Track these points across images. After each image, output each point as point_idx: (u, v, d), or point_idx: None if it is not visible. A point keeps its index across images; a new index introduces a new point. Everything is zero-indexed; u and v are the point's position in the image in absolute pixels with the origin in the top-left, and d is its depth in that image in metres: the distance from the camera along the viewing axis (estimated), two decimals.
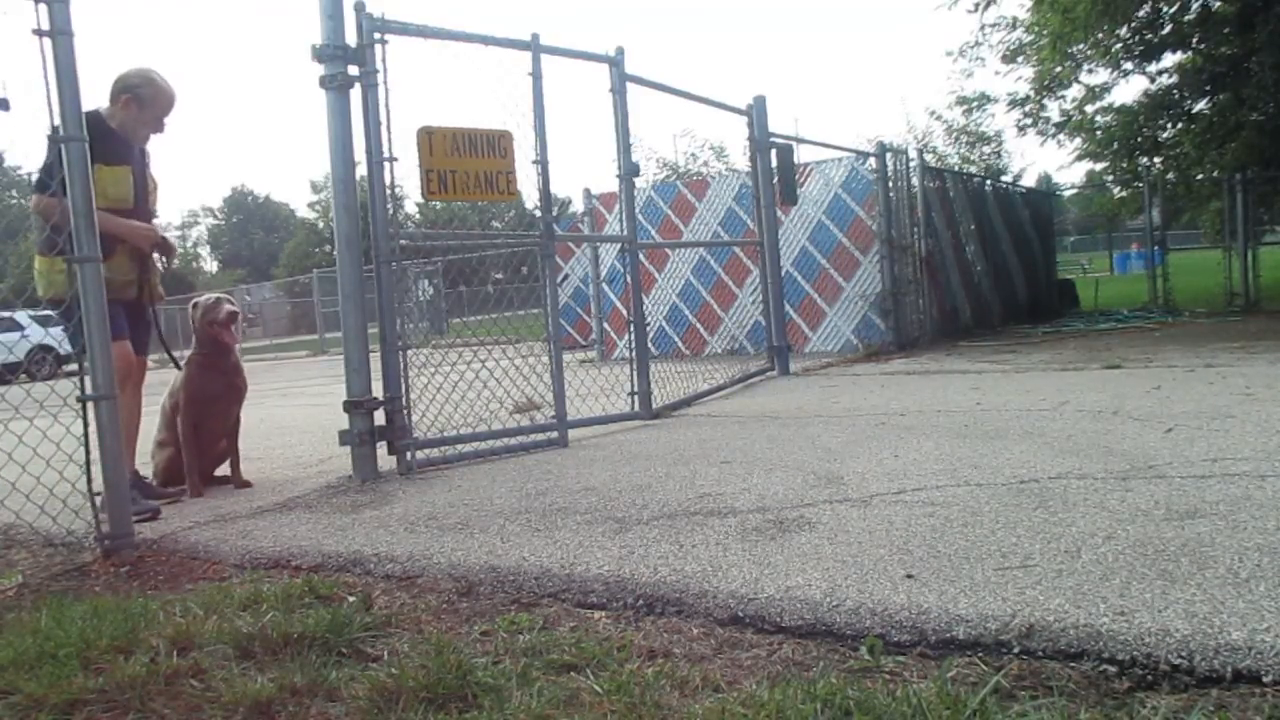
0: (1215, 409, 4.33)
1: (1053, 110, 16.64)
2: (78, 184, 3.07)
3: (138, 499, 3.65)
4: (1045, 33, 13.81)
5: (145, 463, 4.33)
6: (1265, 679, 1.66)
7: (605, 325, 11.06)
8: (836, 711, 1.63)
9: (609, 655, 1.98)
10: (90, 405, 3.09)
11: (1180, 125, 15.44)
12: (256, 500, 3.89)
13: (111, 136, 3.85)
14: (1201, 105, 14.97)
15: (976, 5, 13.94)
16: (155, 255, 4.16)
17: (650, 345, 6.01)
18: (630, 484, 3.63)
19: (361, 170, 4.24)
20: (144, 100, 3.90)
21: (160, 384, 4.63)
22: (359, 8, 4.14)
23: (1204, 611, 1.90)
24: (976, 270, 11.29)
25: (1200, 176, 15.19)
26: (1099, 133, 15.91)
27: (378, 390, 4.23)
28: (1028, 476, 3.22)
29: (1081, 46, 14.18)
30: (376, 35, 4.16)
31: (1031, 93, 16.43)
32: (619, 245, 7.66)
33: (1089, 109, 16.16)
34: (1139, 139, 15.59)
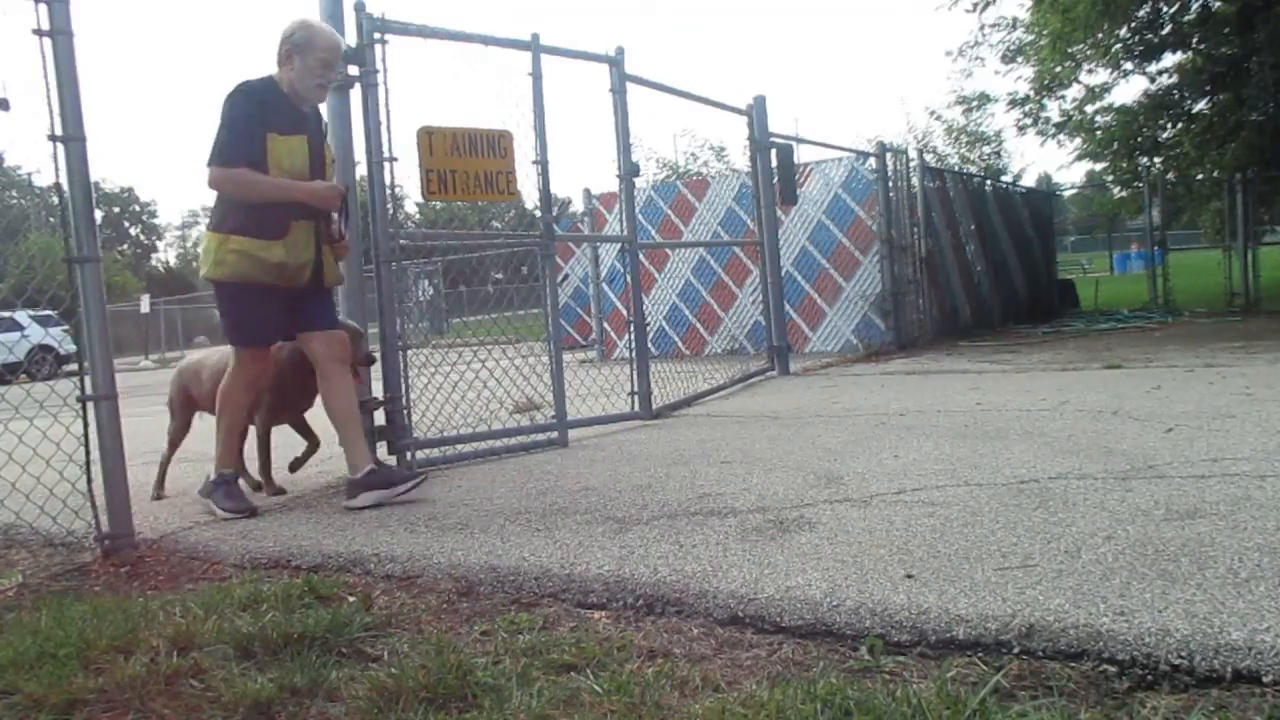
0: (1215, 409, 4.33)
1: (1053, 110, 16.66)
2: (78, 184, 3.06)
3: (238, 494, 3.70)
4: (1045, 33, 13.82)
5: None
6: (1265, 679, 1.66)
7: (605, 325, 11.06)
8: (836, 711, 1.63)
9: (609, 655, 1.98)
10: (90, 405, 3.09)
11: (1180, 125, 15.44)
12: (256, 500, 3.88)
13: (284, 103, 3.54)
14: (1201, 105, 14.98)
15: (976, 5, 13.98)
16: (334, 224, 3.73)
17: (650, 345, 6.01)
18: (630, 484, 3.63)
19: (361, 170, 4.24)
20: (301, 46, 3.53)
21: (162, 384, 4.62)
22: (359, 8, 4.14)
23: (1204, 611, 1.90)
24: (976, 270, 11.29)
25: (1200, 176, 15.19)
26: (1099, 133, 15.90)
27: (378, 390, 4.23)
28: (1028, 476, 3.22)
29: (1081, 46, 14.18)
30: (376, 35, 4.16)
31: (1031, 93, 16.44)
32: (619, 245, 7.66)
33: (1089, 109, 16.18)
34: (1139, 139, 15.59)
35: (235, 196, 3.44)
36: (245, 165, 3.39)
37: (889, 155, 9.22)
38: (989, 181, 13.60)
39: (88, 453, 3.08)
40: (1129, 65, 15.00)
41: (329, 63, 3.60)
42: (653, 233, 10.62)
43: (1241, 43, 13.23)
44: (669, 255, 10.78)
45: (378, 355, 4.08)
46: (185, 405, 4.18)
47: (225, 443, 3.69)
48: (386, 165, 4.22)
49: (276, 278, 3.51)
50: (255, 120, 3.42)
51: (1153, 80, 15.45)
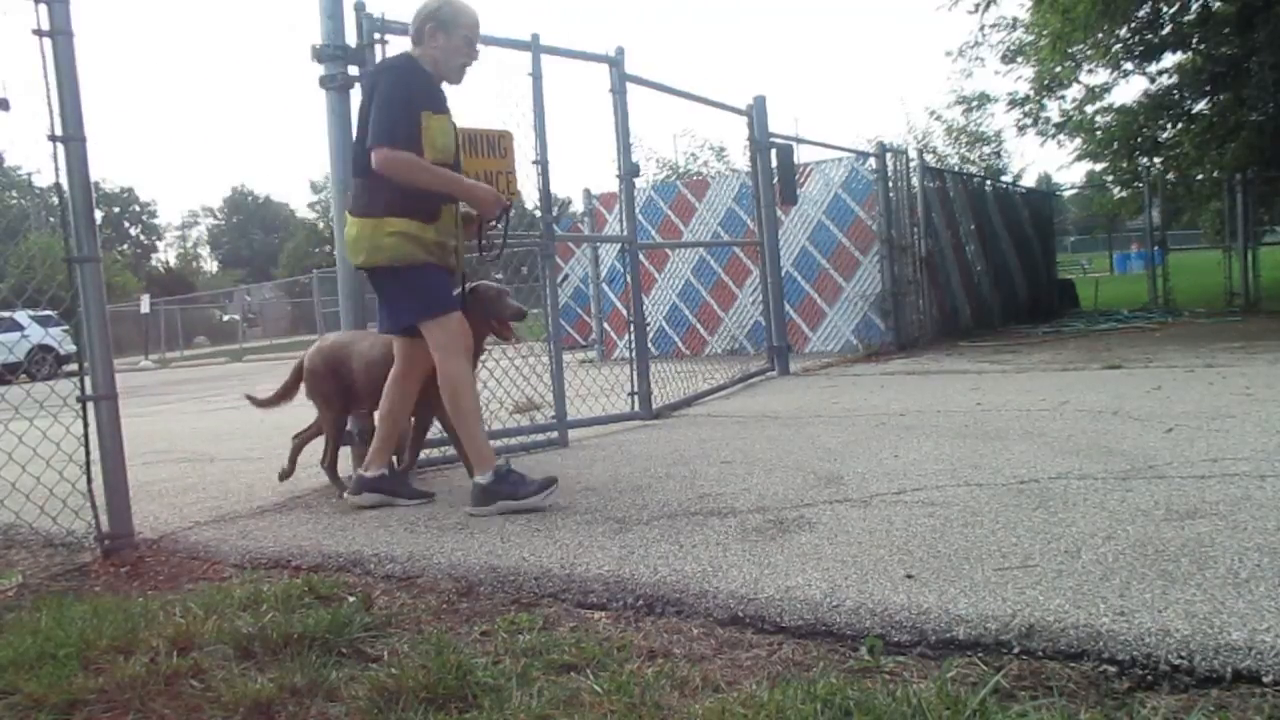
0: (1215, 409, 4.33)
1: (1053, 110, 16.67)
2: (78, 184, 3.06)
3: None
4: (1045, 33, 13.82)
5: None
6: (1265, 679, 1.66)
7: (605, 325, 11.06)
8: (836, 711, 1.63)
9: (609, 655, 1.98)
10: (90, 405, 3.09)
11: (1180, 125, 15.44)
12: (256, 500, 3.89)
13: (431, 80, 3.38)
14: (1201, 105, 14.99)
15: (977, 6, 13.95)
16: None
17: (650, 345, 6.01)
18: (630, 484, 3.63)
19: None
20: (446, 22, 3.38)
21: (162, 384, 4.62)
22: (359, 8, 4.14)
23: (1204, 611, 1.90)
24: (976, 270, 11.29)
25: (1200, 176, 15.19)
26: (1099, 133, 15.91)
27: None
28: (1028, 476, 3.22)
29: (1081, 46, 14.18)
30: (376, 35, 4.15)
31: (1031, 93, 16.44)
32: (619, 245, 7.66)
33: (1089, 109, 16.19)
34: (1139, 139, 15.59)
35: (399, 180, 3.23)
36: (405, 146, 3.21)
37: (889, 155, 9.22)
38: (989, 181, 13.60)
39: (88, 453, 3.08)
40: (1129, 65, 15.01)
41: (472, 40, 3.47)
42: (653, 233, 10.62)
43: (1241, 43, 13.23)
44: (669, 255, 10.78)
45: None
46: (340, 393, 3.79)
47: (473, 438, 3.35)
48: None
49: (437, 257, 3.35)
50: (410, 100, 3.27)
51: (1153, 80, 15.48)
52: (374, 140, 3.22)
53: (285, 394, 4.03)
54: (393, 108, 3.24)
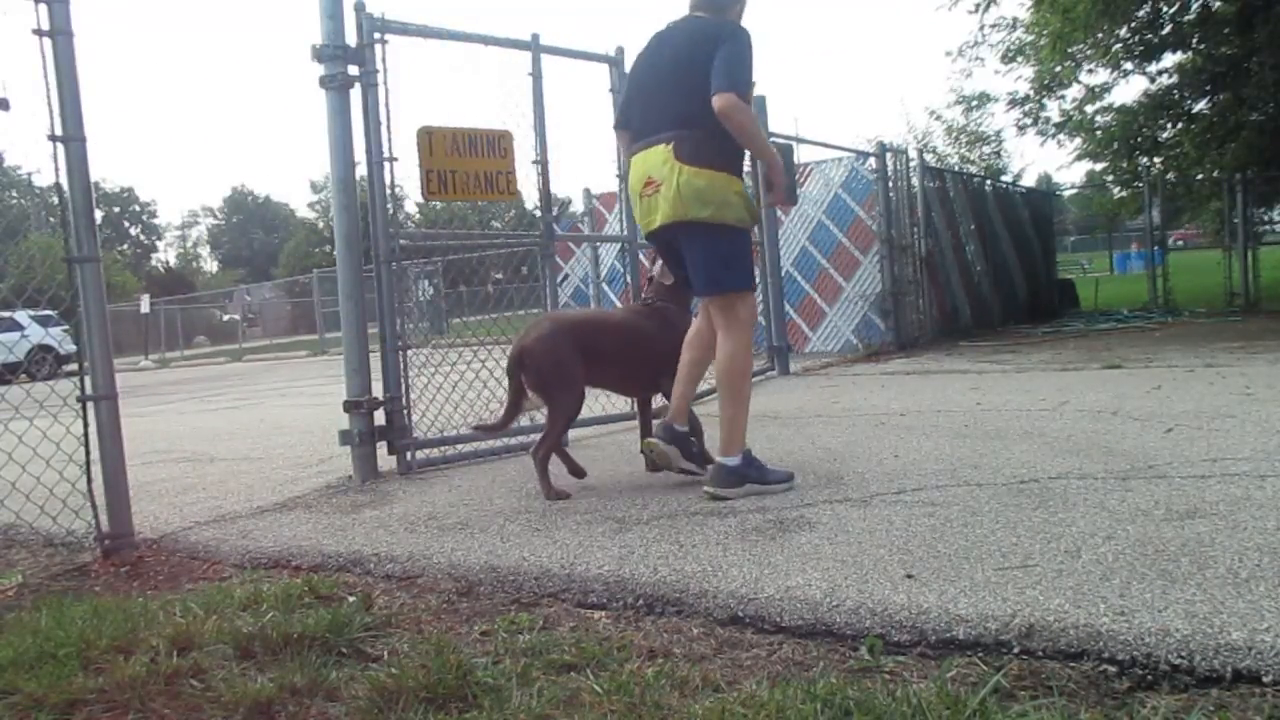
0: (1215, 409, 4.33)
1: (1053, 110, 16.67)
2: (78, 184, 3.06)
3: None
4: (1045, 33, 13.82)
5: None
6: (1265, 679, 1.66)
7: None
8: (836, 711, 1.63)
9: (609, 655, 1.98)
10: (90, 405, 3.09)
11: (1180, 125, 15.44)
12: (256, 500, 3.89)
13: None
14: (1201, 105, 14.98)
15: (977, 6, 13.95)
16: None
17: None
18: (630, 484, 3.63)
19: (361, 170, 4.23)
20: (745, 8, 3.44)
21: (162, 384, 4.61)
22: (359, 8, 4.14)
23: (1204, 611, 1.90)
24: (976, 270, 11.28)
25: (1200, 176, 15.19)
26: (1099, 133, 15.90)
27: (378, 390, 4.23)
28: (1028, 476, 3.22)
29: (1081, 46, 14.18)
30: (376, 35, 4.16)
31: (1031, 93, 16.45)
32: (619, 245, 7.66)
33: (1089, 109, 16.18)
34: (1139, 139, 15.59)
35: (734, 129, 3.14)
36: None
37: (889, 155, 9.22)
38: (989, 181, 13.60)
39: (88, 453, 3.08)
40: (1129, 65, 15.01)
41: None
42: None
43: (1241, 43, 13.23)
44: None
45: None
46: (580, 371, 3.63)
47: (736, 419, 3.27)
48: (386, 165, 4.22)
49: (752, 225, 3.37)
50: (753, 67, 3.24)
51: (1153, 80, 15.47)
52: (731, 85, 3.11)
53: (517, 407, 3.75)
54: (747, 66, 3.20)
